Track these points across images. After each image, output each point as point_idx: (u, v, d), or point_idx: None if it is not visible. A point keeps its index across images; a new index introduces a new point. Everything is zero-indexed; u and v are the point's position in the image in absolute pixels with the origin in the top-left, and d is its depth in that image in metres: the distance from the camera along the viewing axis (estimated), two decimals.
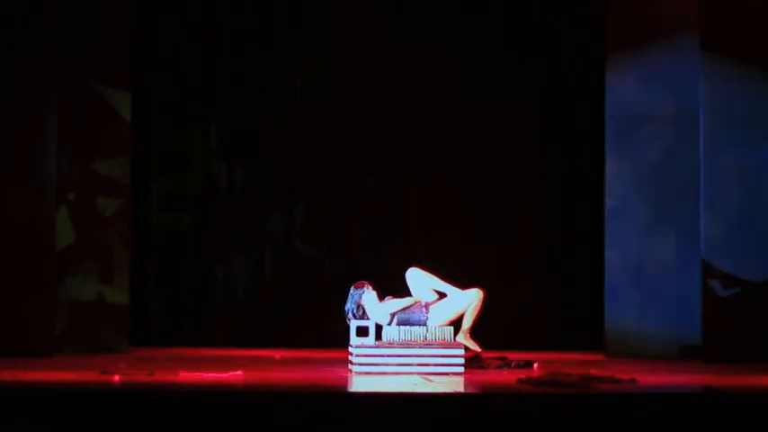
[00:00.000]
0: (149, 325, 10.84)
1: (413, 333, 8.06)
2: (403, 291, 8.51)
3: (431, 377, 7.66)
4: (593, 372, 7.79)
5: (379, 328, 8.11)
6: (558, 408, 6.50)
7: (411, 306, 8.38)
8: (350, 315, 8.35)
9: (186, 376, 7.46)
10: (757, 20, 9.54)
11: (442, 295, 8.50)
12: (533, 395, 6.79)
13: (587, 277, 10.78)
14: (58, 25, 9.50)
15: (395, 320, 8.33)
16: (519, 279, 10.88)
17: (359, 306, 8.39)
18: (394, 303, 8.40)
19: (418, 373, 7.80)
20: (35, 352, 9.01)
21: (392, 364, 7.89)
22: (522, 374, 7.74)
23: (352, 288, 8.48)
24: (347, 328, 8.16)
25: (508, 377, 7.76)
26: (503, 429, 6.35)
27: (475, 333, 8.49)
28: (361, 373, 7.85)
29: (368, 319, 8.26)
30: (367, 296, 8.43)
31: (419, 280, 8.51)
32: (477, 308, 8.45)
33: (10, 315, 9.23)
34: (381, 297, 8.46)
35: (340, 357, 8.56)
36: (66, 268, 9.71)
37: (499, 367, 8.40)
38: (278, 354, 9.73)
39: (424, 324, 8.27)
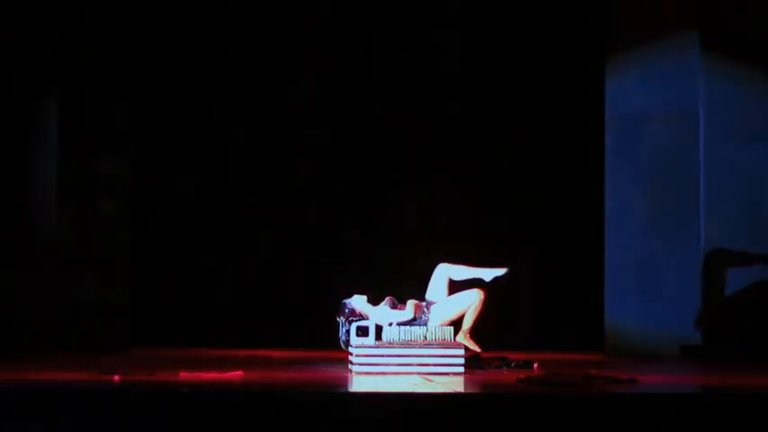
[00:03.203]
0: (149, 325, 10.84)
1: (413, 333, 8.06)
2: (402, 291, 8.51)
3: (431, 377, 7.65)
4: (594, 372, 7.79)
5: (379, 329, 8.11)
6: (558, 408, 6.50)
7: (413, 319, 8.37)
8: (344, 339, 8.31)
9: (186, 376, 7.45)
10: (757, 20, 9.55)
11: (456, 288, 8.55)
12: (533, 395, 6.79)
13: (587, 277, 10.77)
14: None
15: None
16: (519, 279, 10.86)
17: (357, 314, 8.36)
18: (396, 314, 8.36)
19: (418, 373, 7.80)
20: (36, 352, 9.01)
21: (392, 364, 7.89)
22: (522, 374, 7.74)
23: (337, 317, 8.45)
24: (347, 330, 8.17)
25: (508, 377, 7.76)
26: (503, 429, 6.35)
27: (475, 333, 8.48)
28: (361, 373, 7.85)
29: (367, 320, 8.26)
30: (355, 301, 8.42)
31: (440, 280, 8.52)
32: (478, 308, 8.45)
33: (10, 315, 9.24)
34: (372, 300, 8.44)
35: (340, 357, 8.56)
36: (68, 268, 9.71)
37: (499, 367, 8.40)
38: (278, 354, 9.72)
39: (425, 324, 8.27)
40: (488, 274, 8.58)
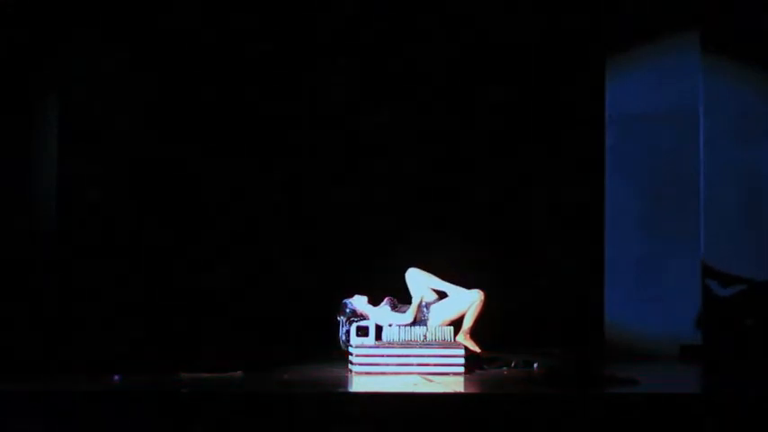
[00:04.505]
0: (150, 325, 10.83)
1: (413, 333, 8.06)
2: (403, 292, 8.51)
3: (431, 377, 7.66)
4: (591, 370, 7.79)
5: (379, 329, 8.11)
6: (558, 408, 6.51)
7: (414, 321, 8.36)
8: (344, 339, 8.31)
9: (186, 376, 7.46)
10: (757, 19, 9.56)
11: (442, 295, 8.49)
12: (533, 395, 6.80)
13: (587, 277, 10.77)
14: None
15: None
16: (519, 279, 10.86)
17: (358, 314, 8.35)
18: (396, 316, 8.35)
19: (418, 373, 7.80)
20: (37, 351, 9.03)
21: (392, 364, 7.90)
22: (523, 374, 7.75)
23: (338, 317, 8.43)
24: (347, 330, 8.17)
25: (508, 377, 7.77)
26: (503, 429, 6.36)
27: (475, 334, 8.48)
28: (361, 373, 7.85)
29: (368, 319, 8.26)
30: (355, 302, 8.41)
31: (418, 280, 8.50)
32: (478, 309, 8.44)
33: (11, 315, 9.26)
34: (372, 300, 8.45)
35: (340, 357, 8.55)
36: (68, 268, 9.73)
37: (499, 367, 8.40)
38: (278, 354, 9.72)
39: (425, 324, 8.27)
40: (460, 295, 8.47)
